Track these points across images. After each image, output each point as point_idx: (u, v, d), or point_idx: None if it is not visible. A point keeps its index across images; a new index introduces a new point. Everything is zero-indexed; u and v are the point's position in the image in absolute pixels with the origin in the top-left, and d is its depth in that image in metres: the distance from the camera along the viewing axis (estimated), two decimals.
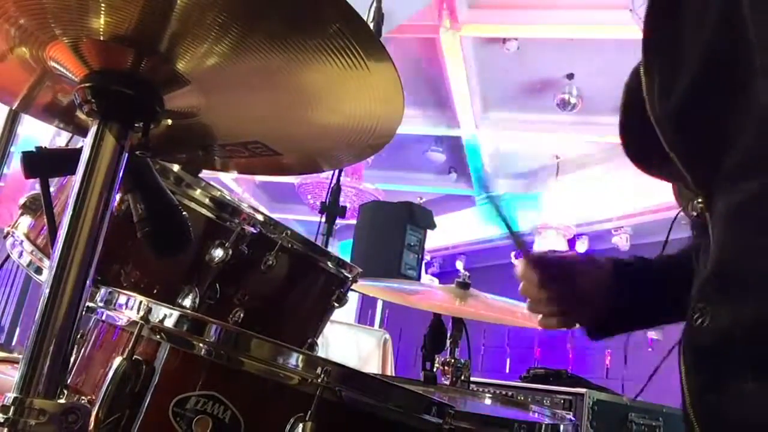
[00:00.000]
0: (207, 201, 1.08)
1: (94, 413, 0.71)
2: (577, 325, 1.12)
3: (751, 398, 0.64)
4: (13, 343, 5.92)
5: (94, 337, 0.90)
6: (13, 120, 1.69)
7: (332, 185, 2.56)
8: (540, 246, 6.70)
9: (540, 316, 1.12)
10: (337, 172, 2.55)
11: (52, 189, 1.11)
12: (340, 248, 7.64)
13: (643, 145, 0.84)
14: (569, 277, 1.08)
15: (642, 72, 0.74)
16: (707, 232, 0.76)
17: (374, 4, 2.28)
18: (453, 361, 1.74)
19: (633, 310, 1.07)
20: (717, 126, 0.70)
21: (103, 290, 0.89)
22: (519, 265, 1.11)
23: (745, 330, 0.64)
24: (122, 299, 0.85)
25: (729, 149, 0.68)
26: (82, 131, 0.83)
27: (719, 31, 0.69)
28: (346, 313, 4.31)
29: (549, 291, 1.08)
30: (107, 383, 0.73)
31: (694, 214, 0.80)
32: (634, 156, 0.88)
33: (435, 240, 6.77)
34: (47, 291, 0.68)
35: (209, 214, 1.09)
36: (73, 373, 0.86)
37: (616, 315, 1.07)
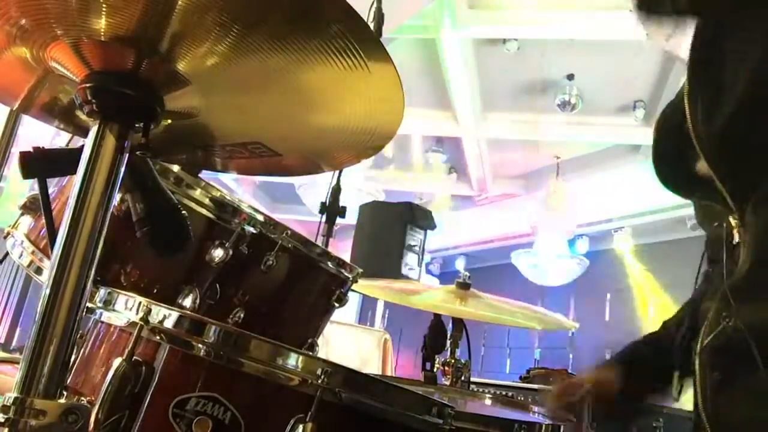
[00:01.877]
0: (207, 201, 1.08)
1: (94, 414, 0.71)
2: None
3: (762, 394, 0.65)
4: (14, 344, 5.92)
5: (93, 337, 0.90)
6: (14, 121, 1.69)
7: (332, 185, 2.56)
8: (541, 246, 6.71)
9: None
10: (337, 172, 2.54)
11: (52, 189, 1.11)
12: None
13: (675, 168, 0.90)
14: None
15: (686, 97, 0.79)
16: (730, 249, 0.79)
17: (374, 5, 2.28)
18: (453, 361, 1.74)
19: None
20: (759, 148, 0.75)
21: (102, 291, 0.89)
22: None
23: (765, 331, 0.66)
24: (121, 300, 0.85)
25: (765, 170, 0.73)
26: (83, 131, 0.83)
27: (764, 59, 0.73)
28: (346, 313, 4.31)
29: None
30: (107, 384, 0.73)
31: (715, 234, 0.84)
32: (665, 178, 0.93)
33: (435, 240, 6.77)
34: (47, 291, 0.68)
35: (209, 214, 1.09)
36: (72, 373, 0.86)
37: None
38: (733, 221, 0.80)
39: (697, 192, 0.88)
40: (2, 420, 0.63)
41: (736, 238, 0.78)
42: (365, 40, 0.65)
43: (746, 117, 0.74)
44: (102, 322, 0.88)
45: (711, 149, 0.76)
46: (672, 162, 0.90)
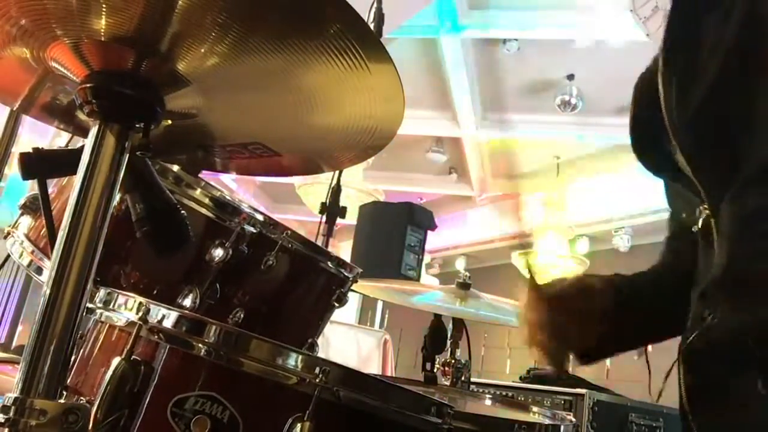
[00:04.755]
0: (207, 201, 1.08)
1: (93, 413, 0.71)
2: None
3: (756, 398, 0.63)
4: (14, 344, 5.92)
5: (93, 337, 0.90)
6: (14, 121, 1.69)
7: (332, 185, 2.55)
8: (541, 247, 6.70)
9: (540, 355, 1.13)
10: (337, 172, 2.54)
11: (51, 189, 1.12)
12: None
13: (652, 149, 0.86)
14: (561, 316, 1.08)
15: (660, 80, 0.76)
16: (706, 240, 0.76)
17: (375, 5, 2.27)
18: (453, 361, 1.74)
19: (620, 335, 1.07)
20: (731, 134, 0.72)
21: (102, 291, 0.89)
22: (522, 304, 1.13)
23: (756, 331, 0.65)
24: (121, 300, 0.85)
25: (742, 159, 0.70)
26: (83, 132, 0.83)
27: (738, 42, 0.71)
28: (346, 313, 4.31)
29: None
30: (106, 383, 0.73)
31: (694, 226, 0.81)
32: (644, 159, 0.89)
33: (435, 240, 6.77)
34: (48, 291, 0.68)
35: (209, 214, 1.09)
36: (72, 373, 0.86)
37: (601, 342, 1.06)
38: (705, 210, 0.76)
39: (669, 172, 0.85)
40: (2, 420, 0.63)
41: (710, 229, 0.75)
42: (365, 40, 0.65)
43: (720, 100, 0.72)
44: (102, 322, 0.88)
45: (685, 135, 0.73)
46: (648, 135, 0.86)
